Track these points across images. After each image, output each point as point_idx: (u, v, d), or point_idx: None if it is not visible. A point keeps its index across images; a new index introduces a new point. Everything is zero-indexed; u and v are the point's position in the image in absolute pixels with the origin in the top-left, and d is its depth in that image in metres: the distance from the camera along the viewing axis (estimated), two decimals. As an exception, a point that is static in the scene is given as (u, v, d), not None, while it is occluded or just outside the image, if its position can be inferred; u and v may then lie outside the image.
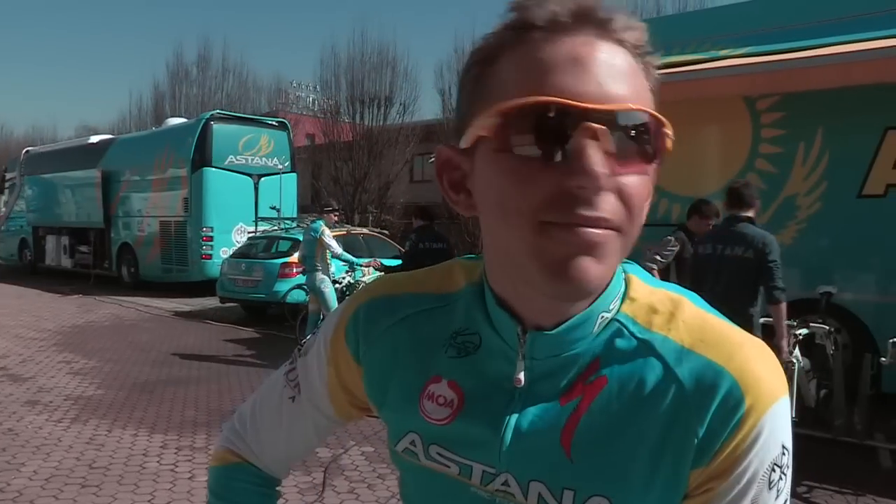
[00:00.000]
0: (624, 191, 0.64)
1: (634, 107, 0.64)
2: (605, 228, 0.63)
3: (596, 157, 0.61)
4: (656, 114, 0.65)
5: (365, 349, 0.86)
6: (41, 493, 4.40)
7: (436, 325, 0.83)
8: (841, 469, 4.82)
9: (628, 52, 0.66)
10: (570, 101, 0.62)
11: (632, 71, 0.66)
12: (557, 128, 0.62)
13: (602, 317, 0.73)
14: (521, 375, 0.74)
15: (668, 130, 0.66)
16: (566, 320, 0.72)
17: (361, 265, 8.39)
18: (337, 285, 8.31)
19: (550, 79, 0.63)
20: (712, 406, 0.69)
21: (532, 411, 0.74)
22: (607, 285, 0.73)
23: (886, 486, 4.58)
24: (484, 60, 0.68)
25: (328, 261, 8.34)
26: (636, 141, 0.64)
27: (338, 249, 8.09)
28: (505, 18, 0.68)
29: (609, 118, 0.62)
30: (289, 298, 10.63)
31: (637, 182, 0.64)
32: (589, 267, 0.63)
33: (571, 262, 0.63)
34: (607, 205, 0.63)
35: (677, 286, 0.79)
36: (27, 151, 22.43)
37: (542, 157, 0.63)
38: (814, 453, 4.89)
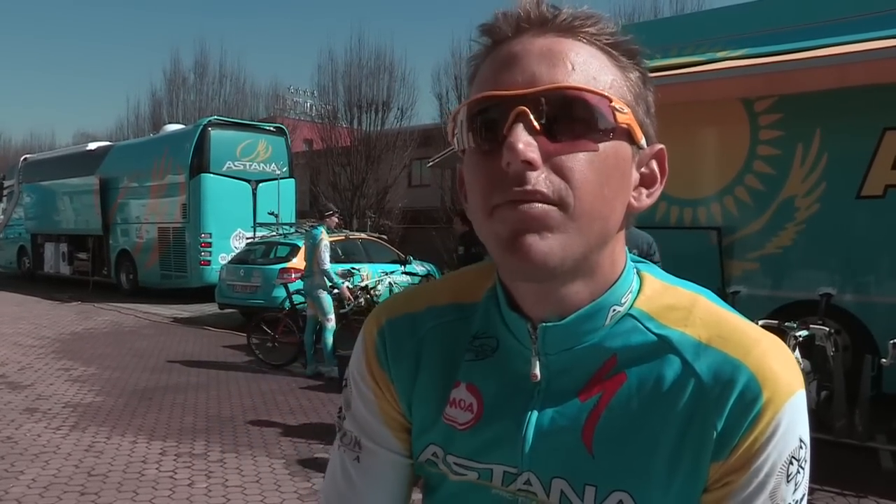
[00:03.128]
0: (562, 166, 0.66)
1: (554, 85, 0.66)
2: (542, 203, 0.65)
3: (519, 135, 0.64)
4: (592, 89, 0.67)
5: (394, 368, 0.85)
6: (40, 500, 4.38)
7: (457, 335, 0.83)
8: (842, 471, 4.80)
9: (582, 41, 0.69)
10: (491, 93, 0.68)
11: (582, 57, 0.68)
12: (492, 119, 0.67)
13: (614, 310, 0.74)
14: (538, 371, 0.75)
15: (617, 105, 0.68)
16: (570, 313, 0.73)
17: (340, 287, 8.33)
18: (335, 290, 8.28)
19: (491, 80, 0.69)
20: (730, 400, 0.70)
21: (552, 409, 0.75)
22: (618, 278, 0.75)
23: (888, 487, 4.56)
24: (470, 78, 0.75)
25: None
26: (575, 118, 0.66)
27: (326, 264, 7.97)
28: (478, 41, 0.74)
29: (533, 100, 0.66)
30: (287, 304, 10.60)
31: (580, 158, 0.66)
32: (533, 242, 0.65)
33: (517, 240, 0.66)
34: (540, 180, 0.65)
35: (692, 283, 0.80)
36: (25, 159, 22.47)
37: (489, 148, 0.68)
38: (815, 455, 4.85)
